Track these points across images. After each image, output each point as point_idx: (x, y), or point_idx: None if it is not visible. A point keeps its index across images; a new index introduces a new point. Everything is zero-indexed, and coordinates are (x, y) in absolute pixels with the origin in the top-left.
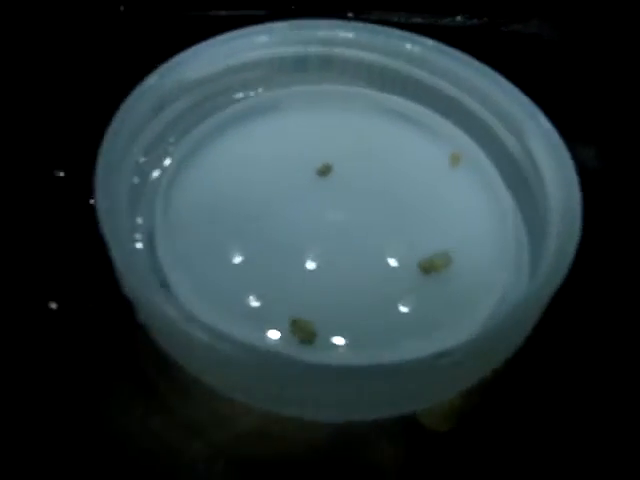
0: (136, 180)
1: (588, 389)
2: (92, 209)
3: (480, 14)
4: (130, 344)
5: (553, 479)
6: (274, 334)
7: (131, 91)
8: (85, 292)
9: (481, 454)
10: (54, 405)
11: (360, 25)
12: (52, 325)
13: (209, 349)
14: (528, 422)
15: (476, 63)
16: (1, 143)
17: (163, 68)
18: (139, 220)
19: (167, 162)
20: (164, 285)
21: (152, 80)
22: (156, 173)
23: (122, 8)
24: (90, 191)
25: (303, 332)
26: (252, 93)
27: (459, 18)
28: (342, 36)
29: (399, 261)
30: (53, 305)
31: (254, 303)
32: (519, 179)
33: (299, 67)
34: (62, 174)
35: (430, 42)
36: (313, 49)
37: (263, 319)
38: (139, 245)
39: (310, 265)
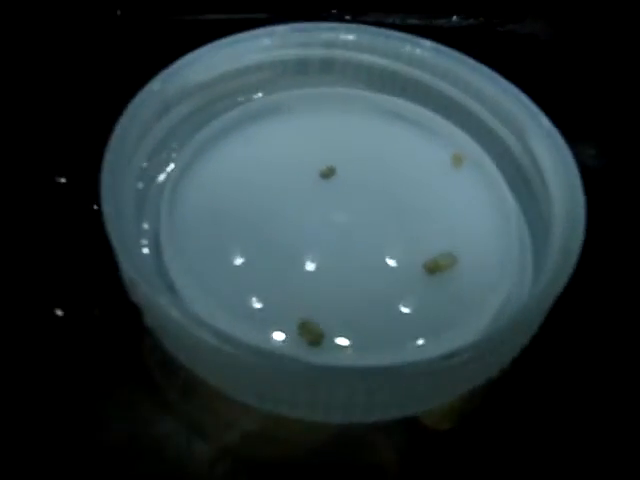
0: (140, 185)
1: (590, 388)
2: (95, 214)
3: (476, 14)
4: (136, 349)
5: (553, 479)
6: (280, 336)
7: (129, 95)
8: (90, 298)
9: (481, 454)
10: (61, 410)
11: (360, 27)
12: (58, 332)
13: (217, 352)
14: (529, 421)
15: (476, 64)
16: (3, 150)
17: (165, 73)
18: (145, 225)
19: (171, 167)
20: (171, 289)
21: (155, 85)
22: (160, 178)
23: (119, 12)
24: (92, 197)
25: (311, 334)
26: (254, 96)
27: (455, 19)
28: (343, 38)
29: (403, 262)
30: (59, 312)
31: (260, 305)
32: (521, 179)
33: (300, 70)
34: (63, 180)
35: (430, 44)
36: (314, 52)
37: (269, 321)
38: (145, 250)
39: (315, 267)
